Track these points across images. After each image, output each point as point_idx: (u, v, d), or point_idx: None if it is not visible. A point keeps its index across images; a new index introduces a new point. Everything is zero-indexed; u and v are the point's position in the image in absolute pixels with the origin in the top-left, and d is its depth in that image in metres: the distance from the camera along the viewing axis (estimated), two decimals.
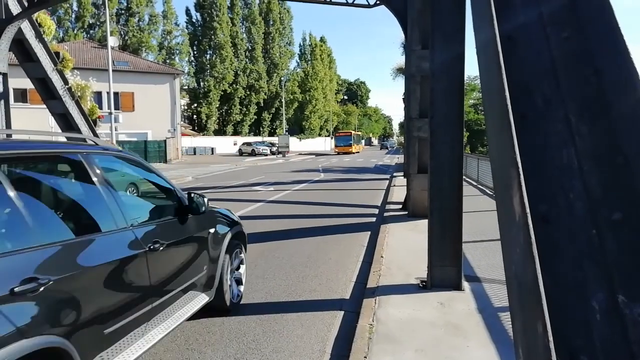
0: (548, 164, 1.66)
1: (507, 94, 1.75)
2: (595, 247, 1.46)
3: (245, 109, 60.86)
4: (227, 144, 54.62)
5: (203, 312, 4.23)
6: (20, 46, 14.49)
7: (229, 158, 43.44)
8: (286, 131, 58.31)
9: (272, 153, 48.34)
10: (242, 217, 10.40)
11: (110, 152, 3.50)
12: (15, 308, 2.10)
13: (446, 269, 5.05)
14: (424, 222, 6.64)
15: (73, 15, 48.92)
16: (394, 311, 4.47)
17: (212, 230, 4.24)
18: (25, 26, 14.21)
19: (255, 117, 63.28)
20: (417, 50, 9.60)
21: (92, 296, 2.62)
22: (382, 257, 6.53)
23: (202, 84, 56.02)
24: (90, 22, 49.51)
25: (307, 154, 55.18)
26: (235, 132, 60.45)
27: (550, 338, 1.27)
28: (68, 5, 47.20)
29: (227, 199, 14.31)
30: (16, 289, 2.10)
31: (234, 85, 57.60)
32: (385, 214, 10.45)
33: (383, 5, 13.69)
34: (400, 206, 11.17)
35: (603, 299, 1.37)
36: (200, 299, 4.00)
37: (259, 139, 59.22)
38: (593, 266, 1.43)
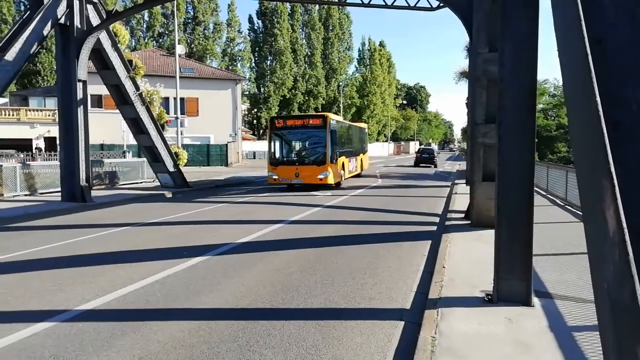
0: None
1: (597, 99, 1.63)
2: None
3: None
4: None
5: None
6: (97, 55, 15.55)
7: None
8: None
9: None
10: (299, 222, 10.67)
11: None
12: None
13: (514, 283, 4.80)
14: (489, 232, 6.38)
15: (144, 25, 51.86)
16: (458, 324, 4.31)
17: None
18: (103, 36, 15.23)
19: None
20: (483, 53, 9.29)
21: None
22: (444, 267, 6.34)
23: (262, 89, 57.39)
24: (160, 31, 52.23)
25: None
26: None
27: None
28: (140, 15, 50.06)
29: (284, 202, 14.50)
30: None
31: (293, 91, 58.54)
32: (447, 223, 10.14)
33: (446, 8, 13.38)
34: (463, 215, 10.82)
35: None
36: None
37: None
38: None
